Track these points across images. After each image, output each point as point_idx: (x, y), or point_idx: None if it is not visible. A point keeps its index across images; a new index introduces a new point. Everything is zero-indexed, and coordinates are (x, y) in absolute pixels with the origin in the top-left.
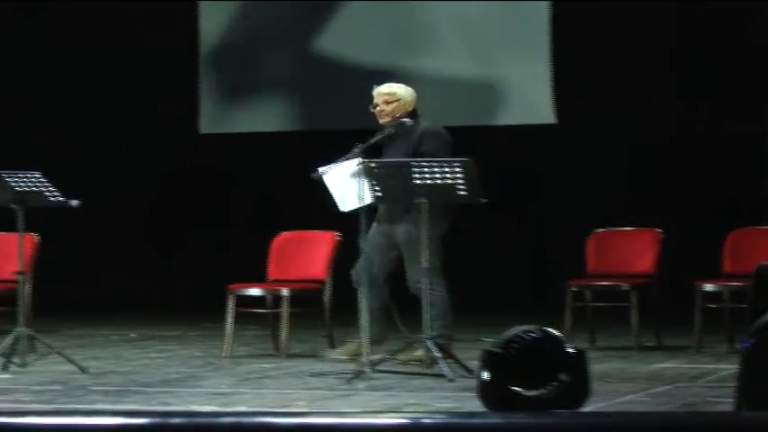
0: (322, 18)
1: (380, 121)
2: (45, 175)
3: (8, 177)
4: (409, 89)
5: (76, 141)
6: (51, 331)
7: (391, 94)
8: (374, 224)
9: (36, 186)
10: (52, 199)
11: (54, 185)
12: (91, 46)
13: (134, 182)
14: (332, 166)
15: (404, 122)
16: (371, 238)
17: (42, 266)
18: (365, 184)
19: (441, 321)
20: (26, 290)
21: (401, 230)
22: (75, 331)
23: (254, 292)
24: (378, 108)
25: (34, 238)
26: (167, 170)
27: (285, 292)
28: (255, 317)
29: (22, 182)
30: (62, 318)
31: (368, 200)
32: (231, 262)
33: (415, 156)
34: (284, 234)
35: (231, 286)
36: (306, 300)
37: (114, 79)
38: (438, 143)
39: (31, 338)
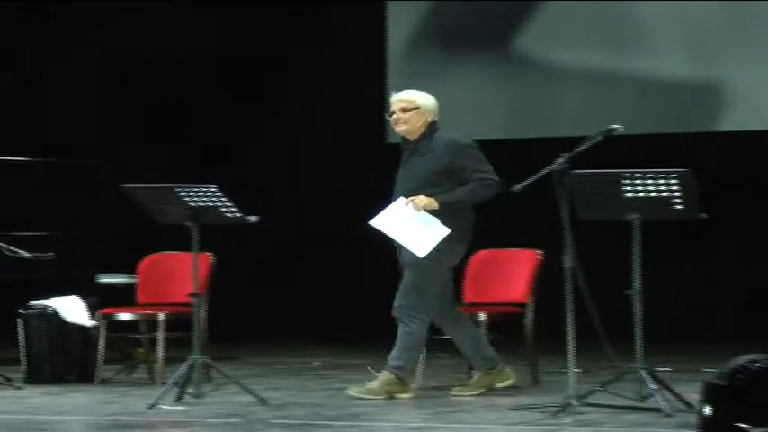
0: (522, 17)
1: (396, 130)
2: (221, 189)
3: (182, 192)
4: (431, 98)
5: (253, 151)
6: (228, 359)
7: (410, 102)
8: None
9: (212, 202)
10: (229, 215)
11: (230, 200)
12: (275, 47)
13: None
14: (383, 213)
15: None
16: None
17: (218, 288)
18: (428, 220)
19: (408, 353)
20: (201, 314)
21: (407, 253)
22: (253, 359)
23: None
24: (394, 116)
25: (209, 257)
26: (340, 183)
27: (482, 316)
28: (448, 344)
29: (197, 197)
30: (240, 344)
31: (438, 237)
32: None
33: (442, 172)
34: (481, 253)
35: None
36: (505, 325)
37: (298, 84)
38: (476, 157)
39: (207, 367)
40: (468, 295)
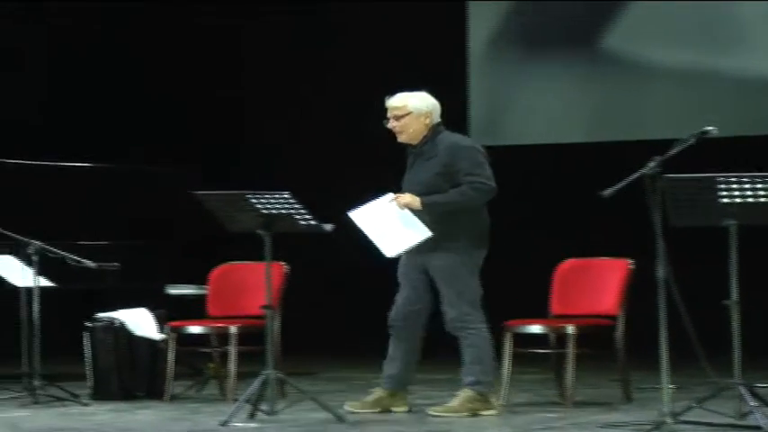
0: (608, 15)
1: (399, 140)
2: (295, 195)
3: (254, 199)
4: (427, 99)
5: (330, 156)
6: (303, 374)
7: (401, 107)
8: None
9: (285, 209)
10: (303, 223)
11: (305, 207)
12: (372, 44)
13: None
14: (365, 207)
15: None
16: (403, 272)
17: (292, 299)
18: (410, 220)
19: (480, 366)
20: (275, 326)
21: (437, 261)
22: (330, 374)
23: (535, 329)
24: (389, 124)
25: (283, 267)
26: None
27: (570, 329)
28: (536, 358)
29: (269, 204)
30: (315, 358)
31: (415, 239)
32: (505, 293)
33: (444, 175)
34: (569, 262)
35: (508, 322)
36: (595, 338)
37: (382, 88)
38: (473, 160)
39: (281, 382)
40: (555, 307)
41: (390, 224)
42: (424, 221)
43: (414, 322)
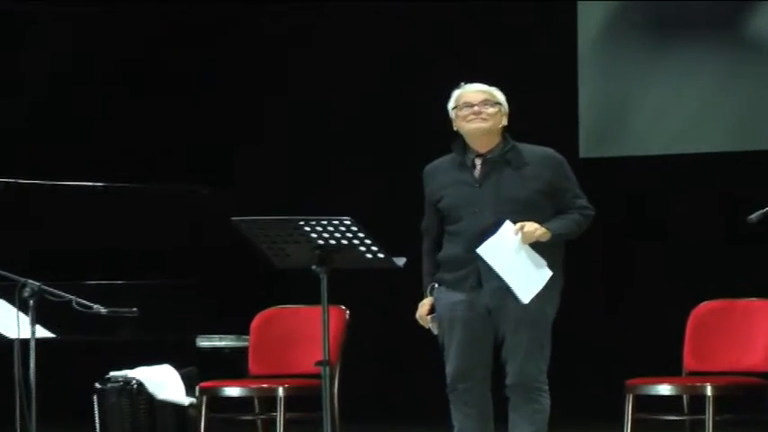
0: (750, 6)
1: (471, 127)
2: (360, 222)
3: (307, 227)
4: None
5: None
6: None
7: (493, 95)
8: (442, 289)
9: (347, 239)
10: (369, 256)
11: (372, 236)
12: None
13: None
14: (491, 240)
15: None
16: (457, 317)
17: (354, 353)
18: (531, 255)
19: None
20: (333, 387)
21: (514, 302)
22: None
23: (664, 389)
24: (475, 108)
25: (344, 312)
26: None
27: (709, 390)
28: (666, 426)
29: (327, 233)
30: (381, 424)
31: (541, 281)
32: (625, 344)
33: (546, 193)
34: (705, 305)
35: (629, 381)
36: (741, 401)
37: None
38: (574, 179)
39: None
40: (689, 361)
41: (519, 262)
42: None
43: (480, 382)
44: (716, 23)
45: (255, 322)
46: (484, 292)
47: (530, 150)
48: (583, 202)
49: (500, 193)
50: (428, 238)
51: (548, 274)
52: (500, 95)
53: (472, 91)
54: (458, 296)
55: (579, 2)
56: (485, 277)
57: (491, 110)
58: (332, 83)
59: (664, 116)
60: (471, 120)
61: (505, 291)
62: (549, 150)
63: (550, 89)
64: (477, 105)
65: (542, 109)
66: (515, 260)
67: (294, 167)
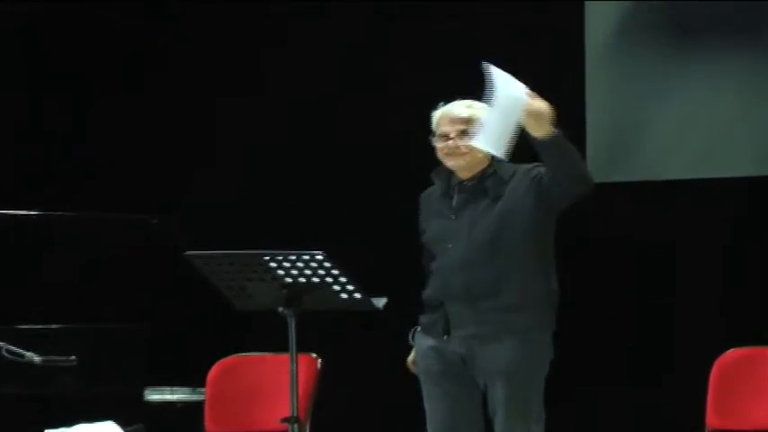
0: None
1: (449, 163)
2: (333, 257)
3: (273, 263)
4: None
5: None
6: None
7: (476, 120)
8: (420, 333)
9: (318, 276)
10: (344, 296)
11: (347, 273)
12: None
13: None
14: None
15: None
16: (435, 370)
17: (327, 407)
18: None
19: None
20: None
21: (496, 354)
22: None
23: None
24: (449, 143)
25: (315, 360)
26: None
27: None
28: None
29: (296, 269)
30: None
31: (486, 145)
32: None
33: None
34: (732, 352)
35: None
36: None
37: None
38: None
39: None
40: (712, 418)
41: (498, 114)
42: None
43: None
44: (737, 29)
45: (213, 372)
46: (452, 339)
47: (508, 171)
48: None
49: (476, 222)
50: (427, 276)
51: (498, 150)
52: (482, 113)
53: (449, 118)
54: (428, 342)
55: (587, 2)
56: (453, 323)
57: (467, 143)
58: (311, 83)
59: (681, 131)
60: (446, 155)
61: (477, 338)
62: (525, 166)
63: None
64: (452, 138)
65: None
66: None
67: (256, 193)
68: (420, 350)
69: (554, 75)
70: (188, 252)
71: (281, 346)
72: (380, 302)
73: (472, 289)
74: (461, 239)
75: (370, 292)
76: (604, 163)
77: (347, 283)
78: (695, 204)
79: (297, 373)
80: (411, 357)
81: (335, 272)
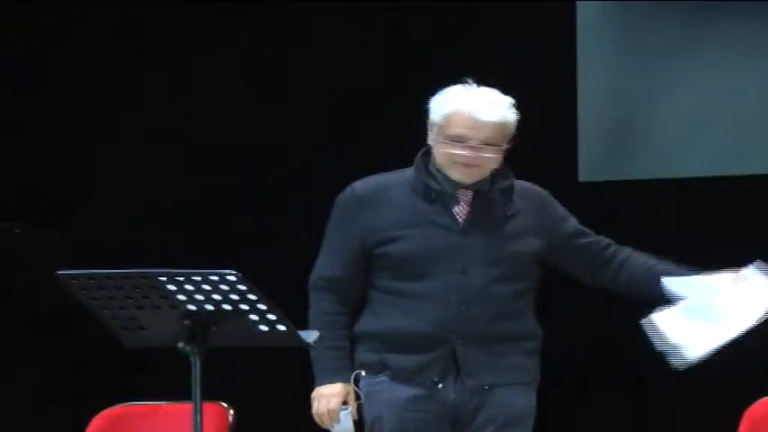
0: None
1: (458, 175)
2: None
3: (171, 285)
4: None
5: None
6: None
7: (506, 131)
8: (383, 380)
9: (231, 303)
10: (264, 328)
11: (267, 299)
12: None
13: None
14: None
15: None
16: (420, 418)
17: None
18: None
19: None
20: None
21: (503, 398)
22: None
23: None
24: (468, 154)
25: (225, 410)
26: None
27: None
28: None
29: (201, 294)
30: None
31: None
32: None
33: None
34: (764, 401)
35: None
36: None
37: None
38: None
39: None
40: None
41: (712, 310)
42: None
43: None
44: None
45: (94, 425)
46: (453, 386)
47: (514, 186)
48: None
49: (488, 246)
50: (333, 294)
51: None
52: (512, 125)
53: (474, 122)
54: (405, 391)
55: (579, 2)
56: (464, 369)
57: (491, 155)
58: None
59: (686, 127)
60: (463, 165)
61: (493, 388)
62: (526, 184)
63: (539, 88)
64: (473, 148)
65: (527, 117)
66: (707, 308)
67: (155, 197)
68: (389, 404)
69: (540, 58)
70: (60, 272)
71: (183, 394)
72: (311, 336)
73: (496, 326)
74: (476, 260)
75: (298, 323)
76: (600, 160)
77: (267, 311)
78: (708, 206)
79: (202, 427)
80: (332, 403)
81: (252, 297)
